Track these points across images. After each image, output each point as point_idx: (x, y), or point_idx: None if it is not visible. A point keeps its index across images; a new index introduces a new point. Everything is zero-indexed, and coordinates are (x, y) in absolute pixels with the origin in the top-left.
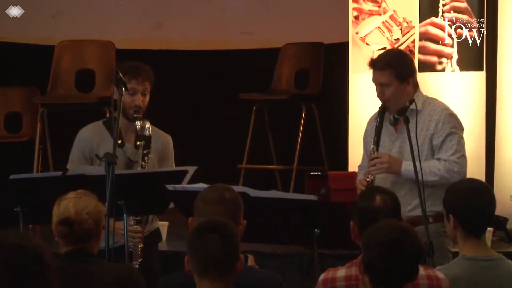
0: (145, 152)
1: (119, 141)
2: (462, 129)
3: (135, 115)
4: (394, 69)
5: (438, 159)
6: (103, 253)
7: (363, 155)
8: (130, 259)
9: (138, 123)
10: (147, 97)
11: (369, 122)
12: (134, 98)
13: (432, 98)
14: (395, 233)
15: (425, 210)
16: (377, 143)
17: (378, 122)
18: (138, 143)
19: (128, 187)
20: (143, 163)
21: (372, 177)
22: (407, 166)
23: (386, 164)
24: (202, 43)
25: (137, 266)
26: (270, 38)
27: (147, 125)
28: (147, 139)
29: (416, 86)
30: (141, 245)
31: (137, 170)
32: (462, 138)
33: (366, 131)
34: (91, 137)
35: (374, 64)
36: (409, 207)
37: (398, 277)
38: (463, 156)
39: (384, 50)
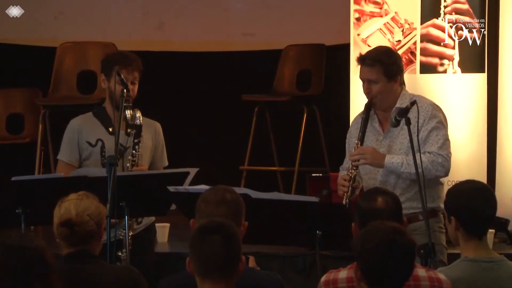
0: (136, 141)
1: (110, 129)
2: (447, 125)
3: (124, 104)
4: (383, 66)
5: (423, 152)
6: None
7: (346, 157)
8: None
9: (128, 112)
10: (136, 86)
11: (353, 123)
12: (129, 90)
13: (418, 96)
14: (389, 234)
15: (425, 208)
16: (361, 139)
17: (363, 119)
18: (129, 130)
19: (130, 188)
20: (133, 151)
21: (354, 172)
22: (390, 159)
23: (369, 155)
24: (204, 45)
25: (125, 255)
26: (272, 40)
27: (138, 114)
28: (138, 128)
29: (402, 84)
30: (130, 233)
31: (139, 172)
32: (447, 133)
33: (349, 132)
34: (80, 126)
35: (363, 60)
36: None
37: (397, 277)
38: (448, 151)
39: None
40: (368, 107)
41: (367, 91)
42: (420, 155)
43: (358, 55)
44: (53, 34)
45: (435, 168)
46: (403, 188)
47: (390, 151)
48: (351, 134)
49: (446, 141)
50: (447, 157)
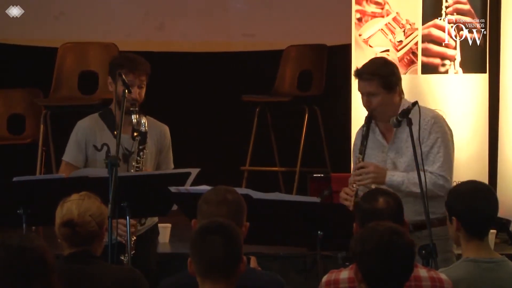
0: (140, 147)
1: (115, 133)
2: (451, 135)
3: (131, 108)
4: (381, 78)
5: (425, 170)
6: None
7: (353, 168)
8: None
9: (134, 117)
10: (143, 90)
11: (357, 135)
12: (131, 91)
13: (420, 106)
14: (386, 235)
15: (428, 213)
16: (363, 152)
17: (364, 131)
18: (135, 134)
19: (131, 189)
20: (138, 158)
21: (357, 187)
22: (391, 177)
23: (372, 174)
24: (205, 45)
25: (127, 259)
26: (272, 40)
27: (143, 120)
28: (143, 135)
29: (401, 93)
30: (133, 238)
31: (140, 172)
32: (449, 147)
33: (355, 144)
34: (88, 128)
35: (360, 74)
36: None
37: (397, 278)
38: (449, 168)
39: (369, 60)
40: (368, 119)
41: (367, 104)
42: (422, 164)
43: (355, 70)
44: (54, 34)
45: (436, 189)
46: (415, 196)
47: (396, 164)
48: (357, 146)
49: (446, 158)
50: (447, 177)
